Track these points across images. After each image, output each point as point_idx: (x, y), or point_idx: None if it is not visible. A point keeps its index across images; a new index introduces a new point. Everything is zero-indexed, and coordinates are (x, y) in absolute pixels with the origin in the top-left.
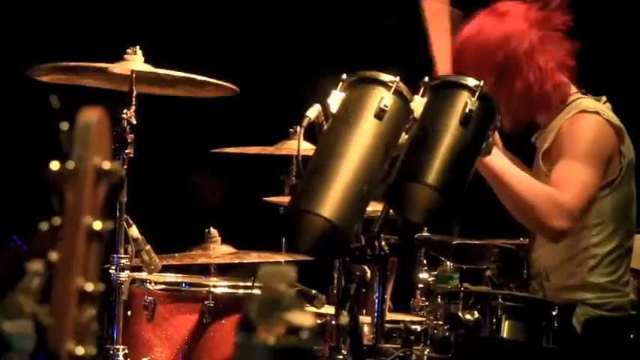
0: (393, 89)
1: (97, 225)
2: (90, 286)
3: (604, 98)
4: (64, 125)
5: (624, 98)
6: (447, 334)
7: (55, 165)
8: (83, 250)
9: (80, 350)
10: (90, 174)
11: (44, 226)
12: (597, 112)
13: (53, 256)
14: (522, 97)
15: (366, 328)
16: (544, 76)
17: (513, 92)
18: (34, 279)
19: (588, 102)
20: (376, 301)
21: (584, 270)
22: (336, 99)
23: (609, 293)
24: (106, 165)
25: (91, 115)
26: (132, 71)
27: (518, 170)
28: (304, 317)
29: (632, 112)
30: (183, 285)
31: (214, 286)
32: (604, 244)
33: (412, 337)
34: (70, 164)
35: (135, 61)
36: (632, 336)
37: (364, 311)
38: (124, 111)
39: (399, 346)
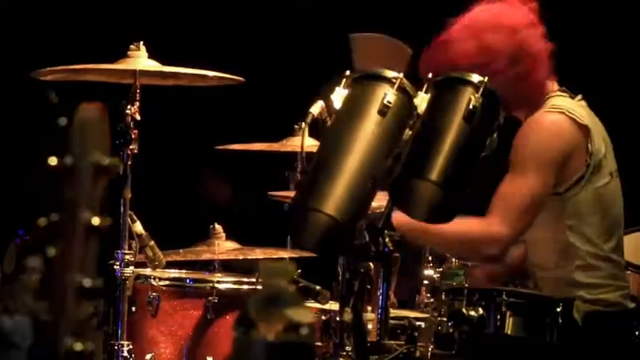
0: (396, 85)
1: (96, 220)
2: (88, 282)
3: (579, 97)
4: (63, 120)
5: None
6: (451, 330)
7: (53, 160)
8: (81, 245)
9: (78, 346)
10: (88, 169)
11: (42, 221)
12: (562, 112)
13: (51, 251)
14: (503, 92)
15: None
16: (528, 72)
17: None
18: (33, 274)
19: (558, 101)
20: (380, 297)
21: (570, 269)
22: (339, 95)
23: (600, 289)
24: (105, 160)
25: (90, 111)
26: (136, 71)
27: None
28: (304, 313)
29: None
30: (188, 281)
31: (218, 282)
32: (584, 243)
33: (416, 334)
34: (69, 160)
35: (139, 57)
36: (637, 332)
37: (369, 308)
38: (128, 107)
39: (403, 342)
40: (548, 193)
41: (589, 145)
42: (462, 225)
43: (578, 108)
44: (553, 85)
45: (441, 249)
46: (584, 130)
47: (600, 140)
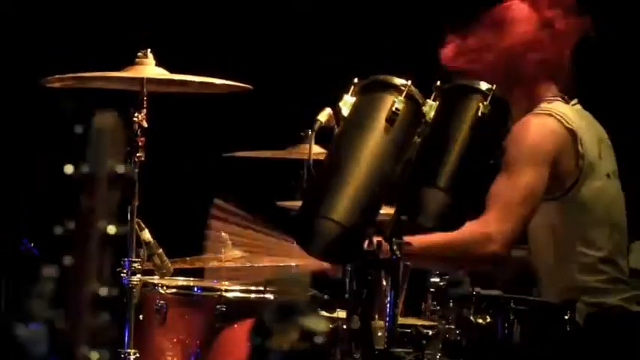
0: (404, 93)
1: (111, 229)
2: (104, 291)
3: (573, 101)
4: (78, 129)
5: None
6: (458, 338)
7: (69, 169)
8: (97, 254)
9: (94, 355)
10: (104, 178)
11: (58, 230)
12: (550, 114)
13: (67, 260)
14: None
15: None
16: (529, 77)
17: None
18: (48, 283)
19: (549, 104)
20: (388, 305)
21: (572, 273)
22: (347, 103)
23: (601, 293)
24: (120, 169)
25: (106, 120)
26: (143, 79)
27: (433, 236)
28: (319, 322)
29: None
30: (195, 289)
31: (226, 290)
32: (585, 247)
33: (424, 342)
34: (85, 168)
35: (147, 65)
36: None
37: (376, 316)
38: (136, 114)
39: (410, 350)
40: (542, 190)
41: (579, 147)
42: (454, 233)
43: (569, 112)
44: (551, 92)
45: (444, 266)
46: (572, 132)
47: (593, 142)
